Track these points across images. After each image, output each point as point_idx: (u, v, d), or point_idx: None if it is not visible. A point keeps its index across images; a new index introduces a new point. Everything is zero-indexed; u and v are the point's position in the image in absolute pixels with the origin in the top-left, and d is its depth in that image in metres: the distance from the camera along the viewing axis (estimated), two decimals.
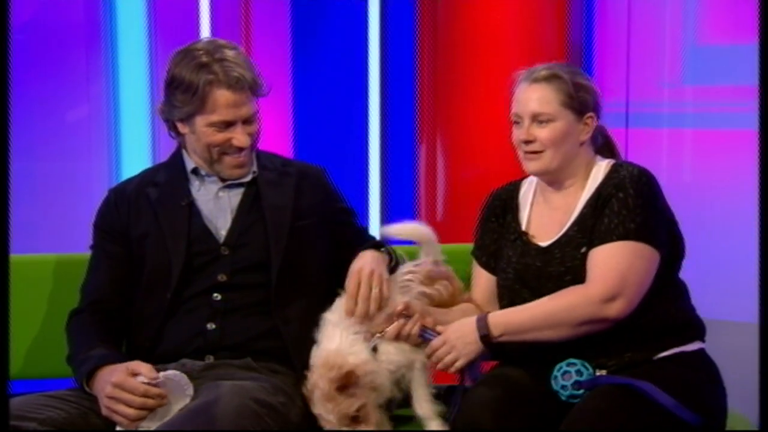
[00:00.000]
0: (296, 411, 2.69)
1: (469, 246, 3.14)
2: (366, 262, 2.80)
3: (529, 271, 2.71)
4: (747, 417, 2.85)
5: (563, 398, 2.60)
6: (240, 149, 2.80)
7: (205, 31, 4.02)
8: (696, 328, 2.72)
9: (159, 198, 2.86)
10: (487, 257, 2.87)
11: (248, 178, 2.88)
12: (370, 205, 4.23)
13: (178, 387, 2.61)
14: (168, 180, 2.90)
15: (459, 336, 2.64)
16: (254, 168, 2.89)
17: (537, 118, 2.69)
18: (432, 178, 4.05)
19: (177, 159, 2.92)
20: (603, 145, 2.82)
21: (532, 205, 2.83)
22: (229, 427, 2.47)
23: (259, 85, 2.79)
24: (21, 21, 3.73)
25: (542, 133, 2.68)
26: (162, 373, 2.61)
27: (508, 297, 2.76)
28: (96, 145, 3.96)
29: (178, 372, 2.63)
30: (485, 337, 2.62)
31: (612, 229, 2.61)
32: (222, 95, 2.74)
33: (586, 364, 2.61)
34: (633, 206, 2.61)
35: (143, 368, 2.62)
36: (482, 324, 2.62)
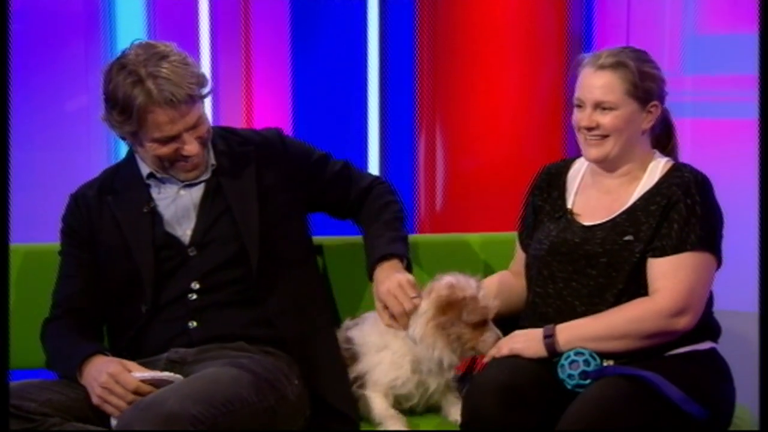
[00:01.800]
0: (292, 389, 2.70)
1: (468, 236, 3.15)
2: (390, 283, 2.76)
3: (566, 245, 2.71)
4: (745, 405, 2.86)
5: (569, 387, 2.60)
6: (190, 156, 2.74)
7: (204, 20, 4.00)
8: (710, 330, 2.72)
9: (119, 207, 2.81)
10: (526, 235, 2.88)
11: (207, 176, 2.82)
12: None
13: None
14: (125, 186, 2.83)
15: (525, 338, 2.66)
16: (211, 161, 2.83)
17: (600, 106, 2.66)
18: (431, 168, 4.04)
19: (132, 162, 2.85)
20: (661, 133, 2.78)
21: (580, 185, 2.82)
22: (227, 393, 2.48)
23: (197, 92, 2.69)
24: (19, 11, 3.71)
25: (605, 119, 2.67)
26: (156, 373, 2.61)
27: (536, 267, 2.77)
28: (95, 135, 3.95)
29: (173, 374, 2.62)
30: (549, 338, 2.63)
31: (684, 237, 2.59)
32: (159, 115, 2.65)
33: (594, 354, 2.60)
34: (701, 214, 2.61)
35: (138, 369, 2.62)
36: (549, 336, 2.63)
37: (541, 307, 2.74)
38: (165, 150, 2.71)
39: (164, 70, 2.64)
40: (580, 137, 2.74)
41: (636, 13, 3.89)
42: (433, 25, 4.03)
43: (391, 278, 2.76)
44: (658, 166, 2.72)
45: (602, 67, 2.66)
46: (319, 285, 2.99)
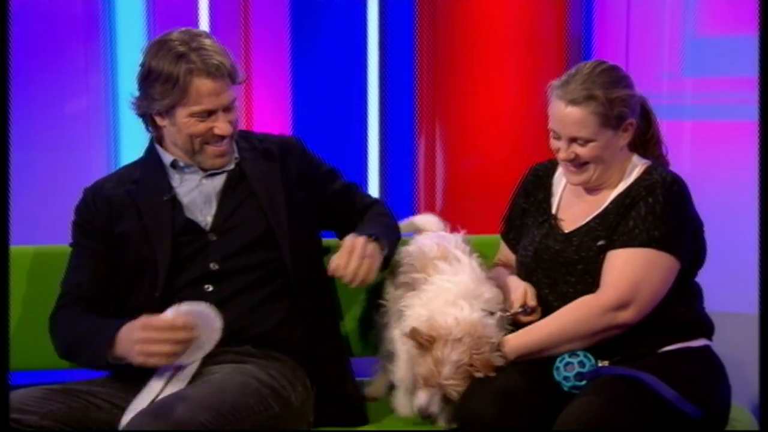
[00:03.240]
0: (296, 396, 2.72)
1: (467, 237, 3.15)
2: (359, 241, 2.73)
3: (547, 253, 2.73)
4: (743, 406, 2.86)
5: (565, 389, 2.61)
6: (222, 137, 2.81)
7: (204, 21, 4.01)
8: (703, 327, 2.73)
9: (141, 195, 2.85)
10: (515, 232, 2.89)
11: (231, 166, 2.89)
12: None
13: (205, 318, 2.60)
14: (147, 176, 2.89)
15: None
16: (235, 154, 2.90)
17: (576, 141, 2.67)
18: (431, 169, 4.05)
19: (152, 154, 2.91)
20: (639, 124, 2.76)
21: (564, 188, 2.82)
22: (234, 401, 2.49)
23: (236, 72, 2.81)
24: (19, 12, 3.71)
25: (583, 151, 2.67)
26: (186, 306, 2.61)
27: (524, 274, 2.79)
28: (95, 136, 3.95)
29: (202, 302, 2.64)
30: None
31: (636, 234, 2.60)
32: (203, 84, 2.74)
33: (589, 356, 2.62)
34: (660, 214, 2.61)
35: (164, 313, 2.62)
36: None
37: None
38: (200, 127, 2.78)
39: (207, 45, 2.76)
40: (560, 163, 2.75)
41: (636, 15, 3.90)
42: (433, 26, 4.03)
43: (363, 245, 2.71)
44: (634, 170, 2.73)
45: (572, 102, 2.63)
46: (330, 281, 2.99)
